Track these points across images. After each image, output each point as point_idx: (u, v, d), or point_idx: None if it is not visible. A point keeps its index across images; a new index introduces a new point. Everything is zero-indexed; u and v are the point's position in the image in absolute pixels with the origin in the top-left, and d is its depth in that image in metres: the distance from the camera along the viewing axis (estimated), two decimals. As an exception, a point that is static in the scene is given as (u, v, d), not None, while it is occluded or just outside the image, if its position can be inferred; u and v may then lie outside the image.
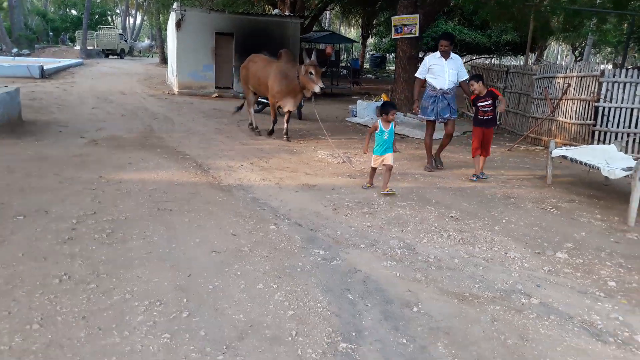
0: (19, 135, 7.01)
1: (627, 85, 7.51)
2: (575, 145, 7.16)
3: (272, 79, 7.72)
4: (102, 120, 8.89)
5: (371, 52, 31.07)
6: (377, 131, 5.20)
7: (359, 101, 11.05)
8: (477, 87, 5.90)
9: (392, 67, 15.84)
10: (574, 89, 8.06)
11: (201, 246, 3.52)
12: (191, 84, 14.16)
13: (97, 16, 38.15)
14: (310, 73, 7.15)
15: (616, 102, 7.54)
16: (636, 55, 24.20)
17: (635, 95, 7.50)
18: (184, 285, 2.92)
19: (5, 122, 7.06)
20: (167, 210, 4.22)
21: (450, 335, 2.59)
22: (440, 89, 6.08)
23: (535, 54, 30.39)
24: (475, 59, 26.92)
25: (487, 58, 28.11)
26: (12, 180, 4.79)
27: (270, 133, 8.24)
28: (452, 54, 6.16)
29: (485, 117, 5.95)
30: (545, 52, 45.86)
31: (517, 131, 9.74)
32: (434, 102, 6.14)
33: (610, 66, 27.57)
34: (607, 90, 7.55)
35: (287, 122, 8.06)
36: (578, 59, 29.28)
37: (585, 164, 5.29)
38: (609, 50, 28.70)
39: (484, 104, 5.91)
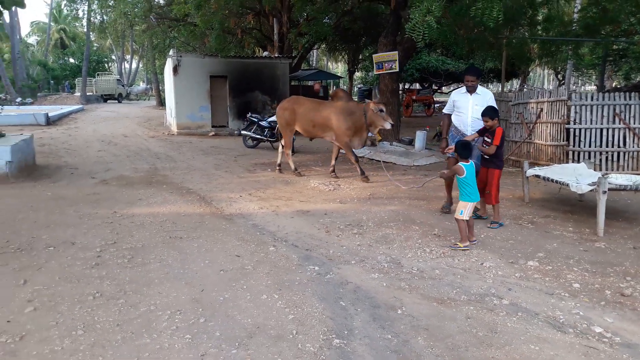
0: (35, 178, 7.56)
1: (595, 108, 8.14)
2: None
3: (336, 118, 7.62)
4: (109, 161, 9.45)
5: (359, 86, 32.16)
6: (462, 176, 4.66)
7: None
8: (491, 123, 5.26)
9: (379, 100, 16.62)
10: (547, 113, 8.71)
11: (210, 266, 3.99)
12: (189, 124, 14.84)
13: (94, 63, 39.41)
14: (381, 110, 7.35)
15: (585, 124, 8.16)
16: (619, 75, 25.16)
17: (602, 116, 8.13)
18: (198, 298, 3.38)
19: (23, 166, 7.63)
20: (177, 238, 4.70)
21: (429, 331, 3.01)
22: (462, 128, 5.60)
23: (519, 79, 31.54)
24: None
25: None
26: (37, 218, 5.31)
27: (363, 174, 7.72)
28: (480, 89, 5.64)
29: (483, 155, 5.40)
30: (532, 77, 47.26)
31: (499, 155, 10.32)
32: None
33: (594, 87, 28.46)
34: (575, 112, 8.18)
35: (336, 159, 8.13)
36: (561, 82, 30.32)
37: (556, 181, 5.75)
38: (591, 72, 29.80)
39: (486, 139, 5.33)
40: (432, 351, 2.78)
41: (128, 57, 50.84)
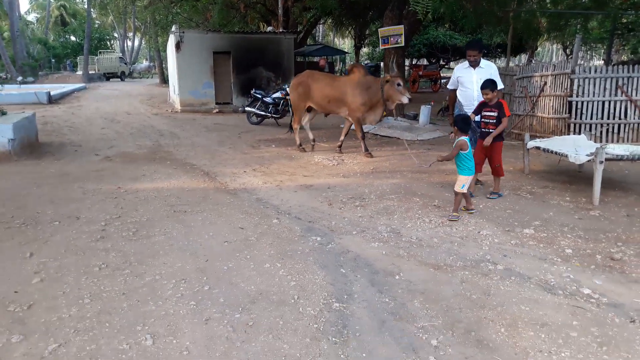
0: (39, 155, 7.66)
1: (597, 80, 8.10)
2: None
3: (352, 92, 7.52)
4: (112, 139, 9.53)
5: (365, 62, 31.79)
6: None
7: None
8: (491, 96, 5.17)
9: (385, 75, 16.32)
10: (550, 86, 8.66)
11: (215, 238, 4.10)
12: (192, 101, 14.82)
13: (96, 41, 39.11)
14: (399, 84, 7.21)
15: (587, 96, 8.13)
16: (626, 49, 24.74)
17: (605, 89, 8.09)
18: (203, 268, 3.50)
19: (26, 144, 7.72)
20: (182, 212, 4.81)
21: (425, 295, 3.13)
22: (468, 104, 5.57)
23: (527, 54, 31.08)
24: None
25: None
26: (41, 194, 5.42)
27: (367, 150, 7.76)
28: (484, 62, 5.64)
29: (485, 130, 5.29)
30: (540, 52, 46.41)
31: (501, 128, 10.30)
32: None
33: (601, 62, 28.12)
34: (578, 85, 8.14)
35: (346, 135, 8.10)
36: (569, 57, 29.87)
37: (556, 153, 5.80)
38: (599, 46, 29.33)
39: (488, 114, 5.25)
40: (427, 312, 2.90)
41: (130, 34, 50.33)
